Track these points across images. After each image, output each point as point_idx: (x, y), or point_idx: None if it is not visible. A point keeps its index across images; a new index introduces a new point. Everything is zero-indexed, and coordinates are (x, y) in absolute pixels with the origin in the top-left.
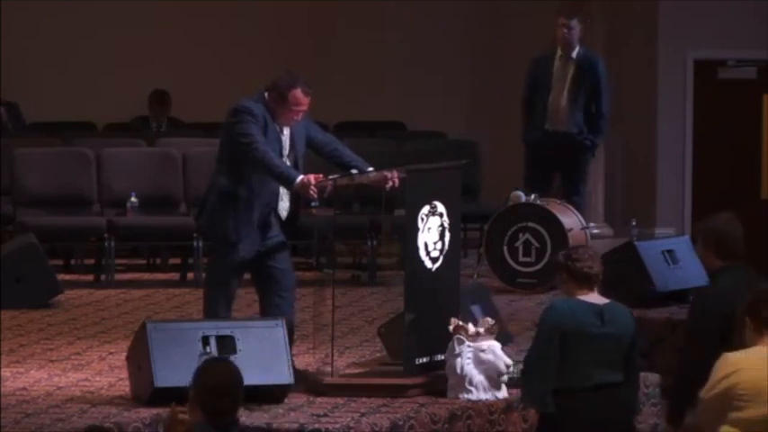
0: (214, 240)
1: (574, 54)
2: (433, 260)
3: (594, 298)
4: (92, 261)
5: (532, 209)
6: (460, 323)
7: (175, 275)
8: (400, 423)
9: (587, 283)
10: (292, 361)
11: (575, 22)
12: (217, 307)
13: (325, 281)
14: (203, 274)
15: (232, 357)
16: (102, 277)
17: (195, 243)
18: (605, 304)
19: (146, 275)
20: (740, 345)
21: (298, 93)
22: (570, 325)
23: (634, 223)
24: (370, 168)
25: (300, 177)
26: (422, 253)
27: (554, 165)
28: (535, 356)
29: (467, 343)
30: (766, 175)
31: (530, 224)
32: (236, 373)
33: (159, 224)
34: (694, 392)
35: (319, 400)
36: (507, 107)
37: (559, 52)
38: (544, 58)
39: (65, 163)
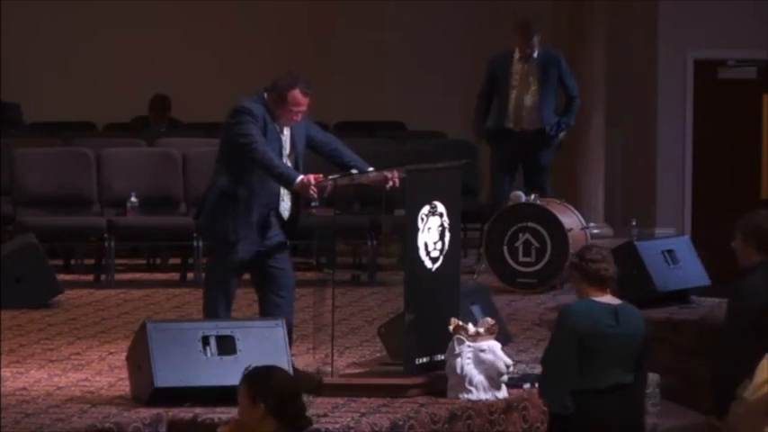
0: (213, 240)
1: (534, 55)
2: (433, 260)
3: (608, 299)
4: (92, 261)
5: (532, 209)
6: (460, 323)
7: (175, 275)
8: (400, 423)
9: (602, 284)
10: (292, 361)
11: (536, 40)
12: (217, 307)
13: (326, 281)
14: (203, 274)
15: (232, 357)
16: (102, 277)
17: (195, 243)
18: (619, 305)
19: (146, 275)
20: None
21: (297, 93)
22: (586, 326)
23: (634, 223)
24: (370, 168)
25: (300, 177)
26: (422, 253)
27: (520, 160)
28: (551, 358)
29: (467, 343)
30: (766, 175)
31: (530, 224)
32: (292, 375)
33: (159, 224)
34: (734, 387)
35: (319, 400)
36: None
37: (518, 54)
38: (503, 58)
39: (65, 163)
